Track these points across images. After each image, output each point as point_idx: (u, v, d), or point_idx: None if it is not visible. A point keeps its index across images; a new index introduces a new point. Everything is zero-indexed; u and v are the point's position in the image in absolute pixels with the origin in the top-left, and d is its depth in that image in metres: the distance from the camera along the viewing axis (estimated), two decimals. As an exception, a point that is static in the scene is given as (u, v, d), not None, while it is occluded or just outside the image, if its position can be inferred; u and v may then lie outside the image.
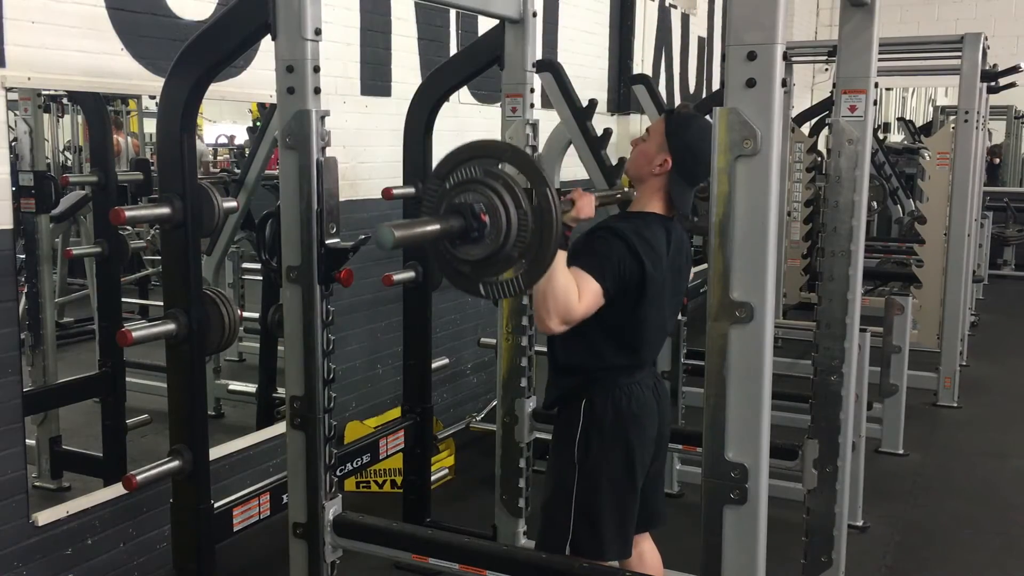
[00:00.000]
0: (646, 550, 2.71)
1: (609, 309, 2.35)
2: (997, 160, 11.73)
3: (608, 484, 2.44)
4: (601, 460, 2.44)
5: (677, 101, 7.78)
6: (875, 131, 8.50)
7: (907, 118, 13.27)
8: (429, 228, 1.99)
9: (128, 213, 2.39)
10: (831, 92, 2.84)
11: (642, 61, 7.23)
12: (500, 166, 2.02)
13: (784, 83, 2.32)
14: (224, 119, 4.85)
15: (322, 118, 2.32)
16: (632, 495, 2.49)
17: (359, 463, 3.31)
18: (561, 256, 2.18)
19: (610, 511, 2.45)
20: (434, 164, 3.39)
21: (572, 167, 4.84)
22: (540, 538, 2.58)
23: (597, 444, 2.44)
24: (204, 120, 4.73)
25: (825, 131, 6.88)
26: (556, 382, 2.56)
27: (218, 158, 5.16)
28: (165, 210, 2.39)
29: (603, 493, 2.44)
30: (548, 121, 4.00)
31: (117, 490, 3.13)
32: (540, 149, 3.43)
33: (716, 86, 8.91)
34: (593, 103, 4.34)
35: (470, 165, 2.04)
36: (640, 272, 2.34)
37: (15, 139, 3.23)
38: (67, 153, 4.33)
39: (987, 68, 5.92)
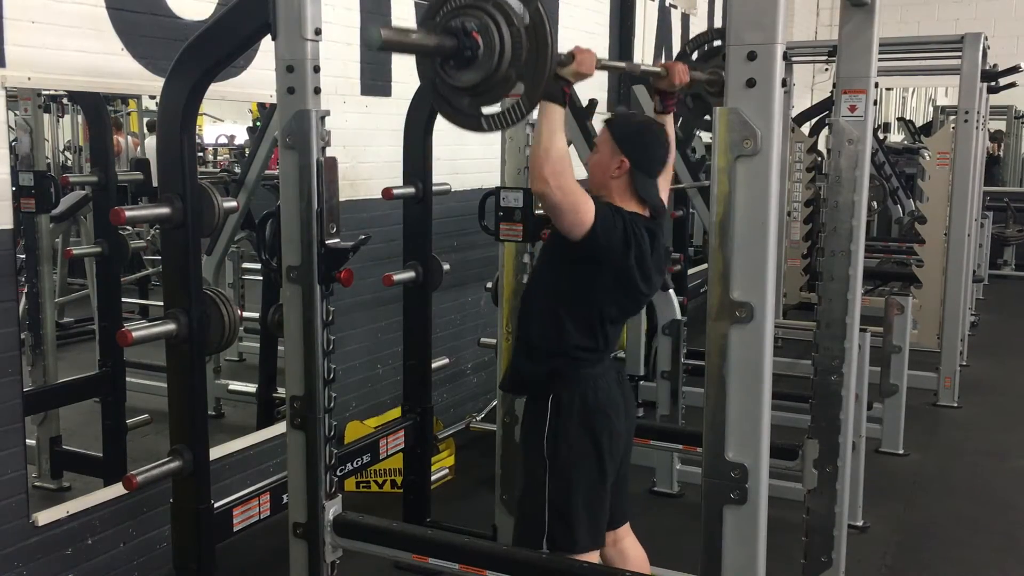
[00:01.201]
0: (628, 546, 2.73)
1: (586, 285, 2.42)
2: (999, 151, 11.65)
3: (578, 477, 2.48)
4: (570, 453, 2.47)
5: (677, 101, 7.78)
6: (875, 131, 8.50)
7: (907, 118, 13.26)
8: (422, 39, 1.98)
9: (128, 213, 2.39)
10: (831, 92, 2.84)
11: (642, 61, 7.23)
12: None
13: (784, 83, 2.33)
14: (224, 119, 4.85)
15: (322, 118, 2.32)
16: (603, 486, 2.52)
17: (359, 463, 3.31)
18: (559, 114, 2.24)
19: (582, 503, 2.48)
20: (435, 165, 3.44)
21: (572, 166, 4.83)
22: (516, 533, 2.62)
23: (565, 437, 2.47)
24: (207, 118, 4.73)
25: (825, 131, 6.89)
26: (519, 364, 2.60)
27: (218, 158, 5.17)
28: (165, 210, 2.39)
29: (574, 486, 2.47)
30: (548, 121, 3.99)
31: (117, 490, 3.13)
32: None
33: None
34: (593, 103, 4.33)
35: None
36: (623, 255, 2.40)
37: (15, 139, 3.24)
38: (67, 153, 4.34)
39: (987, 68, 5.91)
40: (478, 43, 1.96)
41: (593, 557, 2.53)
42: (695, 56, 2.99)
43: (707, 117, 3.11)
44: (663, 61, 2.74)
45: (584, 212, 2.33)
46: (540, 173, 2.28)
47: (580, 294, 2.45)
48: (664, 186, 2.64)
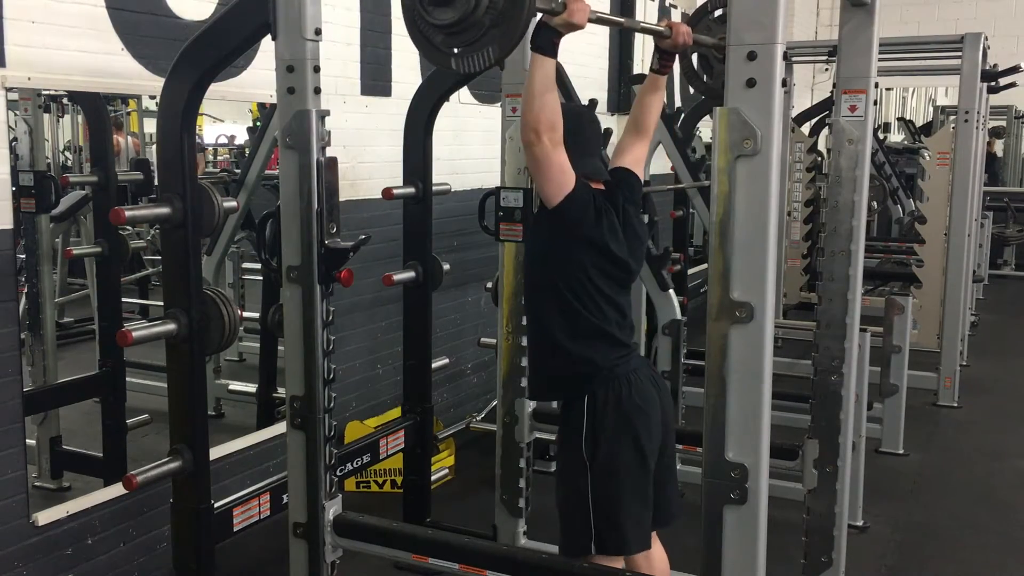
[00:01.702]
0: (654, 552, 2.71)
1: (572, 257, 2.42)
2: (999, 149, 11.63)
3: (621, 477, 2.44)
4: (610, 454, 2.43)
5: (677, 101, 7.78)
6: (875, 131, 8.51)
7: (907, 118, 13.27)
8: None
9: (128, 213, 2.39)
10: (831, 92, 2.85)
11: (642, 61, 7.22)
12: None
13: (784, 83, 2.33)
14: (224, 119, 4.85)
15: (322, 118, 2.33)
16: (645, 484, 2.48)
17: (359, 463, 3.31)
18: (551, 65, 2.22)
19: (627, 504, 2.44)
20: (435, 165, 3.45)
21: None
22: (563, 542, 2.55)
23: (604, 438, 2.43)
24: (207, 118, 4.73)
25: (825, 131, 6.90)
26: (545, 366, 2.56)
27: (218, 158, 5.17)
28: (165, 210, 2.40)
29: (618, 487, 2.43)
30: (548, 121, 3.99)
31: (117, 490, 3.13)
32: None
33: (716, 86, 8.89)
34: (593, 103, 4.34)
35: None
36: (596, 224, 2.40)
37: (15, 139, 3.23)
38: (67, 153, 4.33)
39: (987, 68, 5.92)
40: None
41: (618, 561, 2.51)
42: (718, 13, 2.93)
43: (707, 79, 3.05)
44: (667, 20, 2.69)
45: (569, 173, 2.35)
46: (535, 125, 2.24)
47: (569, 265, 2.44)
48: (635, 148, 2.66)
